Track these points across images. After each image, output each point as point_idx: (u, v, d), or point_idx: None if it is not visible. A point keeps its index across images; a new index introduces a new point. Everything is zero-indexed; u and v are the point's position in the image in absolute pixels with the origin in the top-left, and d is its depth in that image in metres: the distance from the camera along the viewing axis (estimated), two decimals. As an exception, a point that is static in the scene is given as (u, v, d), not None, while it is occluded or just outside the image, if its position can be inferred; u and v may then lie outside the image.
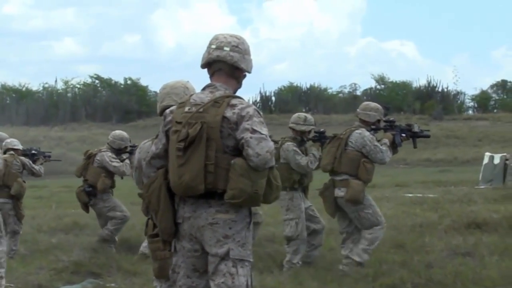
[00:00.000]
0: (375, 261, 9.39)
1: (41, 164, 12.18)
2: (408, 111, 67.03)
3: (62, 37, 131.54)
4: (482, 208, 15.36)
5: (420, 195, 20.64)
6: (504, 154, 27.29)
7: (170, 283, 5.35)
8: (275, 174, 4.85)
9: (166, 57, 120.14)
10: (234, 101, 4.82)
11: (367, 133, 9.07)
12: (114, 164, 11.28)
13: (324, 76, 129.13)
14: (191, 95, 5.03)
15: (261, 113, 4.85)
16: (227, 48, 4.92)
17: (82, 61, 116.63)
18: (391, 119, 9.60)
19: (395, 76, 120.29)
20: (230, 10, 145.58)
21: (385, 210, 16.09)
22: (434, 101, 68.13)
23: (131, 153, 11.28)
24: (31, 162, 11.95)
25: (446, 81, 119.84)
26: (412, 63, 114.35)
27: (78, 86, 75.28)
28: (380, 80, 74.51)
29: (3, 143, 11.50)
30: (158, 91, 6.02)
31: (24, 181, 11.66)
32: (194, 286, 4.99)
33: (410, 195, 20.28)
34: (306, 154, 9.61)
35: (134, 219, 14.28)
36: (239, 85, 5.09)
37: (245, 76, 5.09)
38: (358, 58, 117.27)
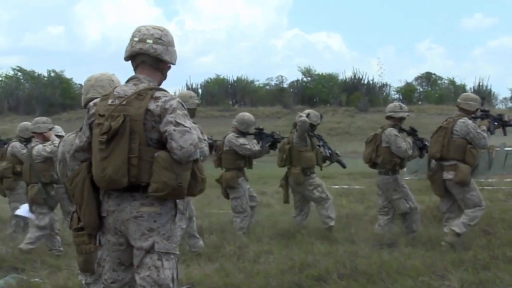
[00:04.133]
0: (301, 252, 9.44)
1: None
2: (334, 103, 67.67)
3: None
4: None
5: (346, 186, 20.86)
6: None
7: (95, 277, 5.31)
8: (200, 166, 4.84)
9: (90, 49, 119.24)
10: (157, 94, 4.78)
11: (470, 122, 9.81)
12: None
13: (250, 69, 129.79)
14: (115, 87, 4.96)
15: (185, 105, 4.82)
16: (150, 41, 4.88)
17: (4, 53, 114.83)
18: (486, 108, 10.41)
19: (321, 68, 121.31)
20: (156, 2, 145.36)
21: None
22: (360, 93, 68.83)
23: None
24: None
25: (372, 73, 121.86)
26: (338, 56, 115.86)
27: (0, 78, 74.10)
28: (307, 72, 74.95)
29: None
30: (82, 84, 5.95)
31: None
32: (119, 279, 4.95)
33: (337, 186, 20.45)
34: None
35: (59, 213, 14.10)
36: (163, 77, 5.06)
37: (169, 68, 5.06)
38: (284, 51, 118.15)
